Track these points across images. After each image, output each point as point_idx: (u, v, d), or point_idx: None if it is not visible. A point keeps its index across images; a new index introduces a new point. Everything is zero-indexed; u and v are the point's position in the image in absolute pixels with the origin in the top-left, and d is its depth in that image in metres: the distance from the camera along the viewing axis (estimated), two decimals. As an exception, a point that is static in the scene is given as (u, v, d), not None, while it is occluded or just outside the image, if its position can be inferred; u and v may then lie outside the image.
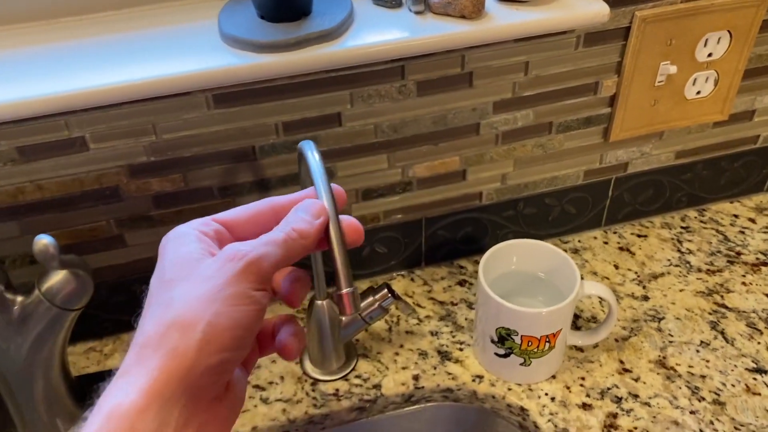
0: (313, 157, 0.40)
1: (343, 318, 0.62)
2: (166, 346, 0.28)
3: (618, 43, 0.62)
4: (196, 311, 0.28)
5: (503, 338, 0.59)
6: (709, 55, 0.65)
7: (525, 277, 0.64)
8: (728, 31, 0.63)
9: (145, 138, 0.55)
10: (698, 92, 0.67)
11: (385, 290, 0.61)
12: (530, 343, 0.58)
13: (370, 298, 0.61)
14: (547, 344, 0.58)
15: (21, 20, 0.55)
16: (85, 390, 0.61)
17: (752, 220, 0.78)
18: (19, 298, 0.51)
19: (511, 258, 0.63)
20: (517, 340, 0.58)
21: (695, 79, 0.66)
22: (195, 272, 0.29)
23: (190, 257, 0.30)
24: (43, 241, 0.45)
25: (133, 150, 0.56)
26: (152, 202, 0.60)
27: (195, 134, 0.56)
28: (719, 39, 0.64)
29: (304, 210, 0.33)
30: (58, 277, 0.50)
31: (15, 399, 0.56)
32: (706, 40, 0.63)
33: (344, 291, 0.35)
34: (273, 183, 0.62)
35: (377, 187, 0.65)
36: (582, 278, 0.59)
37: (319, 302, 0.60)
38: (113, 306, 0.65)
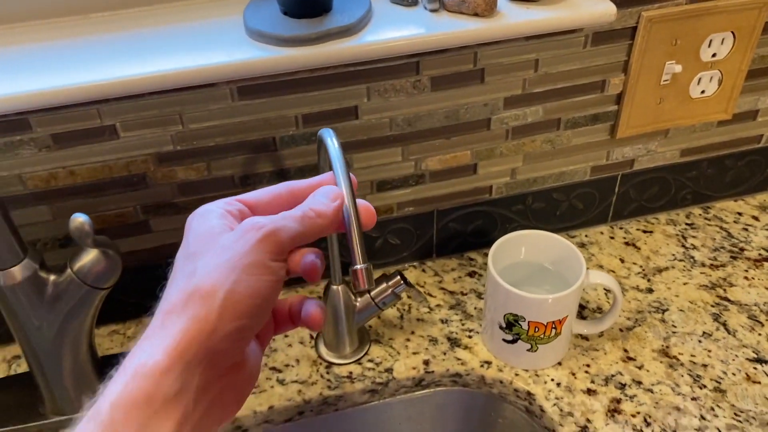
0: (333, 143, 0.43)
1: (357, 303, 0.64)
2: (189, 313, 0.29)
3: (625, 43, 0.64)
4: (216, 280, 0.30)
5: (511, 324, 0.61)
6: (713, 55, 0.67)
7: (533, 267, 0.66)
8: (732, 32, 0.65)
9: (172, 127, 0.58)
10: (703, 91, 0.69)
11: (398, 277, 0.63)
12: (537, 329, 0.60)
13: (384, 285, 0.63)
14: (554, 331, 0.60)
15: (59, 14, 0.58)
16: (108, 368, 0.63)
17: (756, 218, 0.80)
18: (52, 277, 0.54)
19: (519, 249, 0.65)
20: (524, 326, 0.60)
21: (700, 79, 0.68)
22: (216, 244, 0.31)
23: (213, 231, 0.32)
24: (80, 219, 0.47)
25: (160, 139, 0.59)
26: (177, 189, 0.62)
27: (219, 125, 0.59)
28: (723, 40, 0.66)
29: (323, 194, 0.35)
30: (89, 257, 0.53)
31: (45, 375, 0.58)
32: (711, 41, 0.65)
33: (358, 267, 0.37)
34: (292, 173, 0.64)
35: (391, 179, 0.68)
36: (587, 268, 0.61)
37: (334, 287, 0.62)
38: (137, 290, 0.68)
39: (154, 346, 0.29)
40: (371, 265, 0.37)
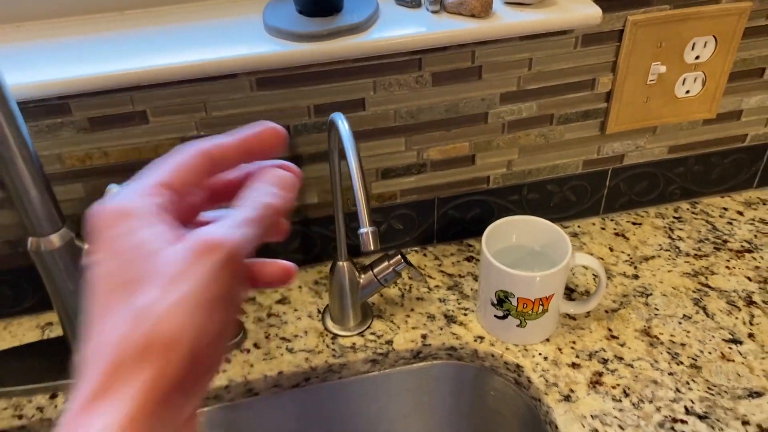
0: (343, 125, 0.48)
1: (361, 280, 0.69)
2: (146, 371, 0.23)
3: (613, 45, 0.69)
4: (177, 325, 0.23)
5: (502, 301, 0.66)
6: (697, 57, 0.71)
7: (523, 250, 0.71)
8: (714, 36, 0.70)
9: (196, 114, 0.64)
10: (687, 91, 0.74)
11: (399, 256, 0.68)
12: (525, 306, 0.65)
13: (385, 263, 0.68)
14: (541, 307, 0.65)
15: (98, 11, 0.64)
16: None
17: (740, 213, 0.84)
18: (87, 246, 0.60)
19: (511, 233, 0.70)
20: (514, 302, 0.65)
21: (684, 80, 0.73)
22: (161, 269, 0.24)
23: (149, 246, 0.24)
24: (115, 188, 0.53)
25: (185, 124, 0.64)
26: (199, 171, 0.68)
27: (239, 113, 0.65)
28: (705, 43, 0.70)
29: (275, 182, 0.29)
30: (120, 227, 0.59)
31: (77, 337, 0.64)
32: (694, 44, 0.70)
33: (364, 230, 0.42)
34: (304, 159, 0.70)
35: (395, 167, 0.73)
36: (574, 251, 0.65)
37: (340, 263, 0.68)
38: (160, 265, 0.73)
39: (105, 416, 0.22)
40: (377, 229, 0.42)
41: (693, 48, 0.71)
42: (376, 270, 0.69)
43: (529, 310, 0.65)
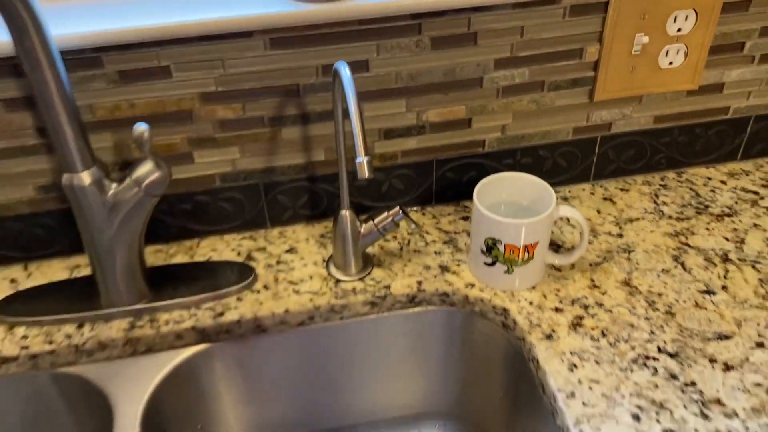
0: (345, 72, 0.54)
1: (362, 229, 0.75)
2: None
3: (599, 16, 0.74)
4: None
5: (490, 248, 0.71)
6: (679, 30, 0.76)
7: (513, 206, 0.76)
8: (694, 9, 0.75)
9: (215, 71, 0.70)
10: (671, 63, 0.79)
11: (397, 208, 0.74)
12: (512, 252, 0.70)
13: (385, 214, 0.74)
14: (527, 254, 0.70)
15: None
16: (153, 276, 0.75)
17: (723, 182, 0.89)
18: (114, 184, 0.66)
19: (501, 189, 0.75)
20: (501, 248, 0.70)
21: (667, 51, 0.78)
22: None
23: None
24: (141, 128, 0.59)
25: (205, 80, 0.70)
26: (217, 126, 0.74)
27: (254, 71, 0.71)
28: (687, 16, 0.75)
29: None
30: (145, 168, 0.65)
31: (102, 271, 0.70)
32: (675, 17, 0.75)
33: (360, 159, 0.48)
34: (311, 117, 0.76)
35: (396, 128, 0.79)
36: (558, 204, 0.70)
37: (343, 212, 0.73)
38: (179, 213, 0.80)
39: None
40: (372, 158, 0.47)
41: (675, 20, 0.75)
42: (376, 220, 0.74)
43: (515, 257, 0.70)
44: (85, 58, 0.66)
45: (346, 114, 0.68)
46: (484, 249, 0.71)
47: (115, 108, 0.70)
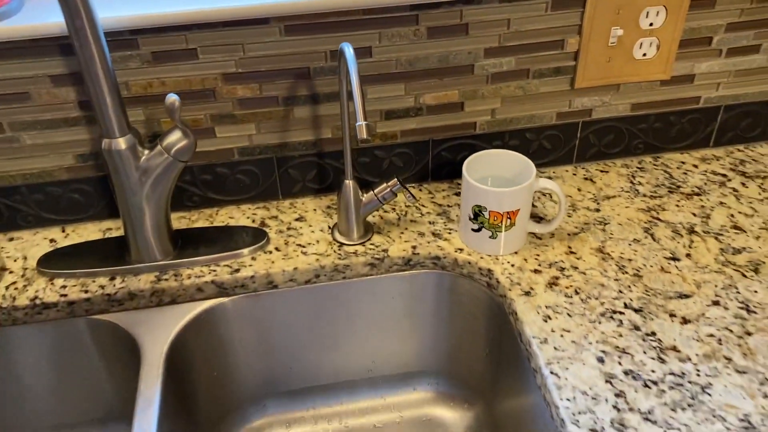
0: (349, 51, 0.62)
1: (363, 198, 0.83)
2: None
3: (578, 10, 0.82)
4: None
5: (477, 215, 0.79)
6: (651, 24, 0.84)
7: (498, 179, 0.84)
8: (664, 6, 0.83)
9: (236, 54, 0.79)
10: (644, 54, 0.87)
11: (395, 179, 0.82)
12: (496, 218, 0.78)
13: (384, 184, 0.82)
14: (509, 221, 0.78)
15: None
16: (177, 237, 0.84)
17: (695, 166, 0.96)
18: (146, 151, 0.74)
19: (488, 164, 0.83)
20: (486, 215, 0.78)
21: (641, 44, 0.86)
22: None
23: None
24: (173, 98, 0.68)
25: (227, 62, 0.79)
26: (237, 103, 0.83)
27: (270, 54, 0.79)
28: (657, 12, 0.83)
29: None
30: (174, 136, 0.74)
31: (133, 229, 0.79)
32: (647, 12, 0.83)
33: (360, 123, 0.56)
34: (320, 98, 0.84)
35: (396, 109, 0.87)
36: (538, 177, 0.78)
37: (347, 182, 0.81)
38: (201, 183, 0.88)
39: None
40: (371, 123, 0.55)
41: (647, 16, 0.83)
42: (376, 190, 0.82)
43: (499, 223, 0.78)
44: (123, 40, 0.75)
45: (350, 96, 0.76)
46: (472, 216, 0.79)
47: (147, 85, 0.79)
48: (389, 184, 0.82)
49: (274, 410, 0.93)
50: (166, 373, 0.73)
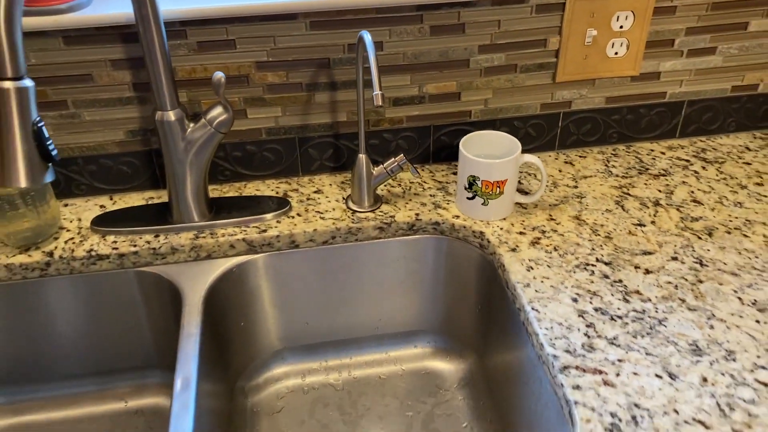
0: (367, 37, 0.74)
1: (374, 171, 0.95)
2: None
3: (558, 14, 0.95)
4: None
5: (471, 184, 0.91)
6: (621, 26, 0.97)
7: (489, 156, 0.95)
8: (632, 11, 0.96)
9: (268, 45, 0.91)
10: (616, 53, 0.99)
11: (402, 155, 0.94)
12: (487, 187, 0.90)
13: (392, 159, 0.94)
14: (498, 189, 0.90)
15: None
16: (212, 204, 0.95)
17: (663, 153, 1.08)
18: (192, 124, 0.86)
19: (480, 142, 0.95)
20: (479, 184, 0.90)
21: (613, 43, 0.98)
22: None
23: None
24: (219, 75, 0.80)
25: (260, 52, 0.91)
26: (267, 88, 0.95)
27: (297, 46, 0.92)
28: (627, 16, 0.96)
29: None
30: (216, 110, 0.86)
31: (176, 192, 0.90)
32: (618, 16, 0.96)
33: (376, 93, 0.68)
34: (338, 85, 0.96)
35: (402, 97, 0.99)
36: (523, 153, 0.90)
37: (360, 156, 0.93)
38: (233, 159, 1.00)
39: None
40: (384, 93, 0.67)
41: (618, 19, 0.96)
42: (385, 164, 0.94)
43: (490, 191, 0.90)
44: (174, 30, 0.88)
45: (365, 82, 0.89)
46: (467, 185, 0.91)
47: (192, 70, 0.92)
48: (396, 159, 0.94)
49: (292, 361, 1.04)
50: (204, 314, 0.84)
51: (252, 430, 0.96)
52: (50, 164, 0.67)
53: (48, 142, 0.66)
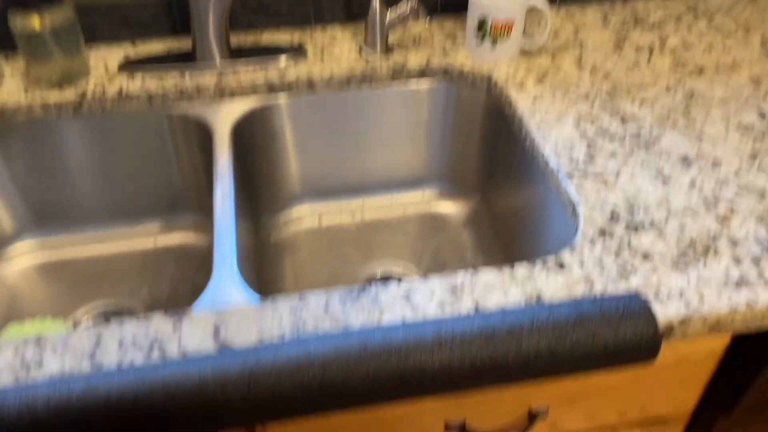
0: None
1: (387, 16, 0.98)
2: None
3: None
4: None
5: (481, 24, 0.94)
6: None
7: (499, 3, 0.99)
8: None
9: None
10: None
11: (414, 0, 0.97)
12: (495, 28, 0.94)
13: (404, 4, 0.97)
14: (506, 30, 0.94)
15: None
16: (233, 49, 0.98)
17: (657, 9, 1.12)
18: (213, -38, 0.88)
19: (491, -11, 0.98)
20: (488, 24, 0.93)
21: None
22: None
23: None
24: None
25: None
26: None
27: None
28: None
29: None
30: (237, -53, 0.87)
31: (201, 31, 0.93)
32: None
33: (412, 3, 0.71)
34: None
35: (413, -54, 1.01)
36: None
37: (373, 3, 0.96)
38: (248, 7, 1.02)
39: None
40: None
41: None
42: (398, 9, 0.97)
43: (498, 32, 0.94)
44: None
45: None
46: (476, 27, 0.95)
47: None
48: (409, 4, 0.97)
49: (308, 203, 1.10)
50: (232, 147, 0.89)
51: (278, 263, 1.03)
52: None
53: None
